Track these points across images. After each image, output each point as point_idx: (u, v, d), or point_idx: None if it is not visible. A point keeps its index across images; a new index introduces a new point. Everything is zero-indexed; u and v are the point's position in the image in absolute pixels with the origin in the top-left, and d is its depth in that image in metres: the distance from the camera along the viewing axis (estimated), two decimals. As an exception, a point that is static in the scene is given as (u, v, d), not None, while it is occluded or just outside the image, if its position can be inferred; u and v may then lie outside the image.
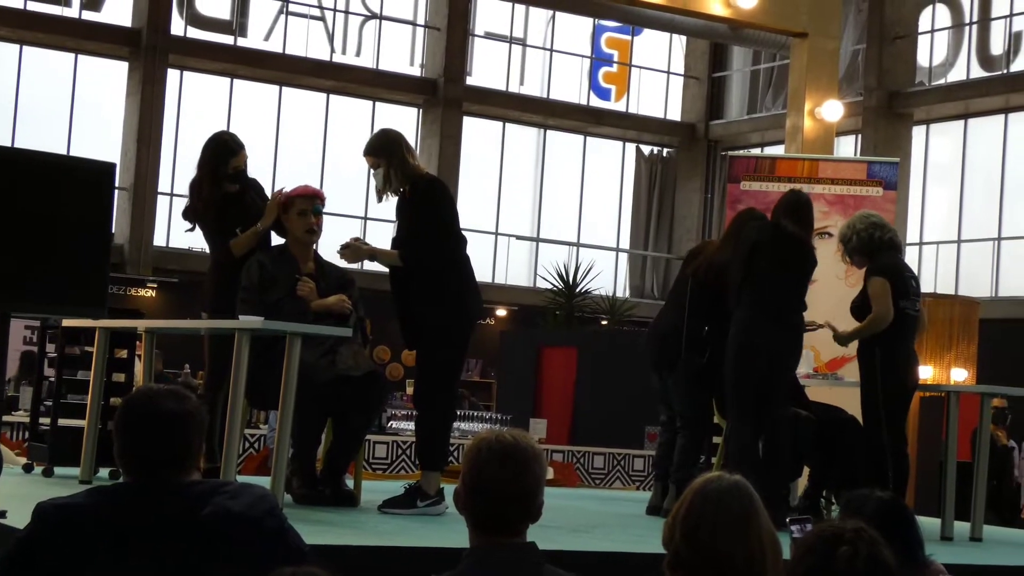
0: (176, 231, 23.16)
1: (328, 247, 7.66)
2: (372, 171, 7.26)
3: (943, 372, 16.35)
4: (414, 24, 26.43)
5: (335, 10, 25.71)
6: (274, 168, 23.64)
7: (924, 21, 25.32)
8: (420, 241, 7.15)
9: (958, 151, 25.00)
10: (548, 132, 27.96)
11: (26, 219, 6.04)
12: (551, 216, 27.90)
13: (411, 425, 13.12)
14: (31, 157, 6.61)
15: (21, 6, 22.88)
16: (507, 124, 27.43)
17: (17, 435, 12.46)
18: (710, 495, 3.12)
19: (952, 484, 8.24)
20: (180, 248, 22.63)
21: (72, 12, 23.42)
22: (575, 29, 27.90)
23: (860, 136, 24.90)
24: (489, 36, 27.38)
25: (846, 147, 24.41)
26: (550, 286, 24.74)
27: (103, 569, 3.35)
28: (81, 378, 8.35)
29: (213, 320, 7.49)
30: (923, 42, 25.24)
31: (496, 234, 26.90)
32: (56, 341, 8.53)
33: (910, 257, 8.58)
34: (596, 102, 28.34)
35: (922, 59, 25.20)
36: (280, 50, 25.03)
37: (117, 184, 8.25)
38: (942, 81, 25.02)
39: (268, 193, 7.96)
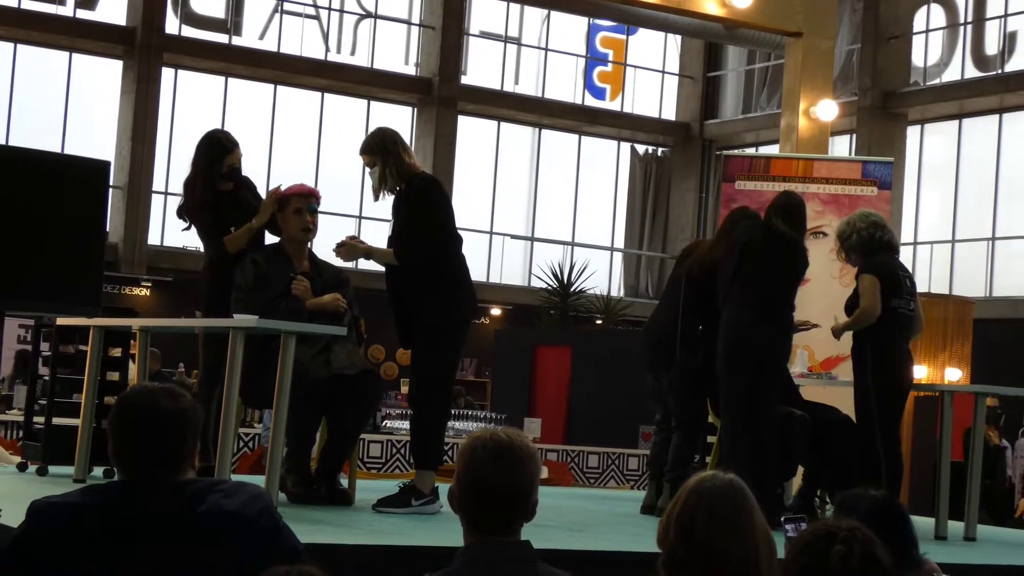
0: (170, 230, 23.16)
1: (323, 246, 7.65)
2: (368, 170, 7.26)
3: (937, 372, 16.34)
4: (409, 23, 26.44)
5: (330, 9, 25.72)
6: (269, 167, 23.63)
7: (919, 21, 25.34)
8: (415, 240, 7.14)
9: (952, 151, 25.02)
10: (543, 131, 27.97)
11: (20, 217, 6.03)
12: (546, 215, 27.91)
13: (406, 424, 13.11)
14: (25, 155, 6.59)
15: (16, 4, 22.86)
16: (502, 123, 27.45)
17: (11, 434, 12.44)
18: (704, 494, 3.12)
19: (946, 483, 8.25)
20: (175, 247, 22.64)
21: (67, 10, 23.41)
22: (570, 28, 27.92)
23: (855, 136, 24.91)
24: (484, 35, 27.39)
25: (841, 147, 24.44)
26: (545, 285, 24.76)
27: (97, 568, 3.35)
28: (75, 377, 8.34)
29: (207, 319, 7.48)
30: (918, 42, 25.26)
31: (491, 233, 26.91)
32: (50, 340, 8.52)
33: (904, 257, 8.57)
34: (591, 101, 28.36)
35: (917, 59, 25.22)
36: (275, 49, 25.03)
37: (111, 183, 8.25)
38: (937, 81, 25.04)
39: (261, 192, 7.96)
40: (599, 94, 28.51)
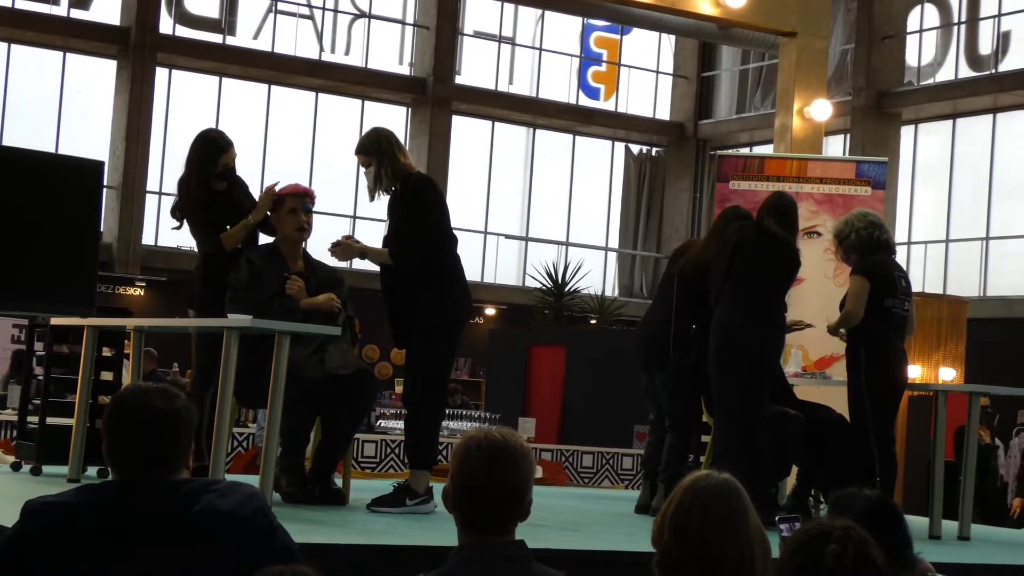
0: (164, 230, 23.13)
1: (317, 246, 7.65)
2: (363, 170, 7.25)
3: (931, 371, 16.38)
4: (403, 23, 26.43)
5: (324, 9, 25.70)
6: (263, 167, 23.61)
7: (913, 21, 25.36)
8: (410, 240, 7.14)
9: (946, 151, 25.05)
10: (537, 131, 27.97)
11: (14, 217, 6.04)
12: (540, 215, 27.92)
13: (400, 424, 13.11)
14: (19, 155, 6.60)
15: (9, 4, 22.83)
16: (496, 123, 27.44)
17: (5, 433, 12.44)
18: (699, 493, 3.12)
19: (940, 483, 8.26)
20: (169, 247, 22.61)
21: (60, 10, 23.39)
22: (564, 28, 27.91)
23: (849, 136, 24.93)
24: (478, 35, 27.38)
25: (835, 147, 24.44)
26: (539, 285, 24.75)
27: (92, 568, 3.34)
28: (69, 376, 8.34)
29: (202, 319, 7.48)
30: (912, 42, 25.28)
31: (485, 233, 26.91)
32: (44, 339, 8.51)
33: (898, 257, 8.57)
34: (585, 101, 28.36)
35: (911, 59, 25.24)
36: (269, 49, 25.02)
37: (105, 183, 8.25)
38: (931, 81, 25.06)
39: (254, 192, 7.95)
40: (593, 94, 28.51)
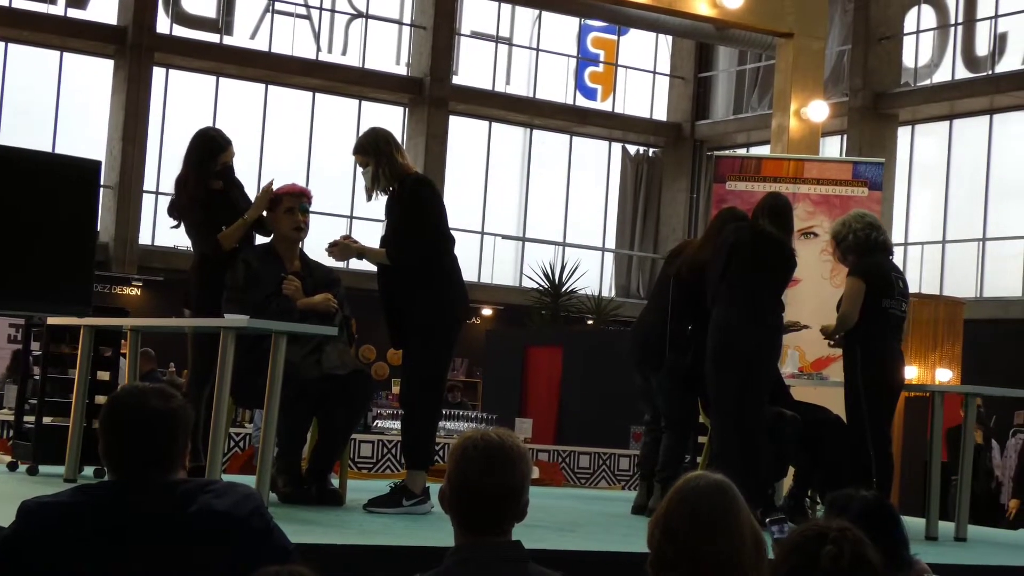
0: (161, 229, 23.14)
1: (314, 246, 7.65)
2: (361, 170, 7.25)
3: (928, 372, 16.39)
4: (400, 23, 26.43)
5: (321, 9, 25.70)
6: (260, 167, 23.60)
7: (909, 22, 25.37)
8: (408, 240, 7.14)
9: (943, 152, 25.06)
10: (534, 132, 27.97)
11: (11, 217, 6.03)
12: (537, 216, 27.92)
13: (397, 424, 13.11)
14: (16, 155, 6.60)
15: (7, 3, 22.83)
16: (493, 123, 27.44)
17: (2, 433, 12.43)
18: (689, 494, 3.12)
19: (937, 484, 8.26)
20: (166, 246, 22.61)
21: (58, 10, 23.38)
22: (561, 29, 27.92)
23: (845, 136, 24.94)
24: (475, 35, 27.38)
25: (831, 147, 24.45)
26: (536, 285, 24.75)
27: (88, 568, 3.34)
28: (66, 376, 8.33)
29: (199, 319, 7.47)
30: (908, 43, 25.29)
31: (482, 233, 26.91)
32: (41, 339, 8.51)
33: (895, 258, 8.58)
34: (582, 102, 28.36)
35: (907, 60, 25.25)
36: (266, 49, 25.01)
37: (102, 182, 8.24)
38: (927, 82, 25.07)
39: (250, 193, 7.94)
40: (590, 94, 28.51)
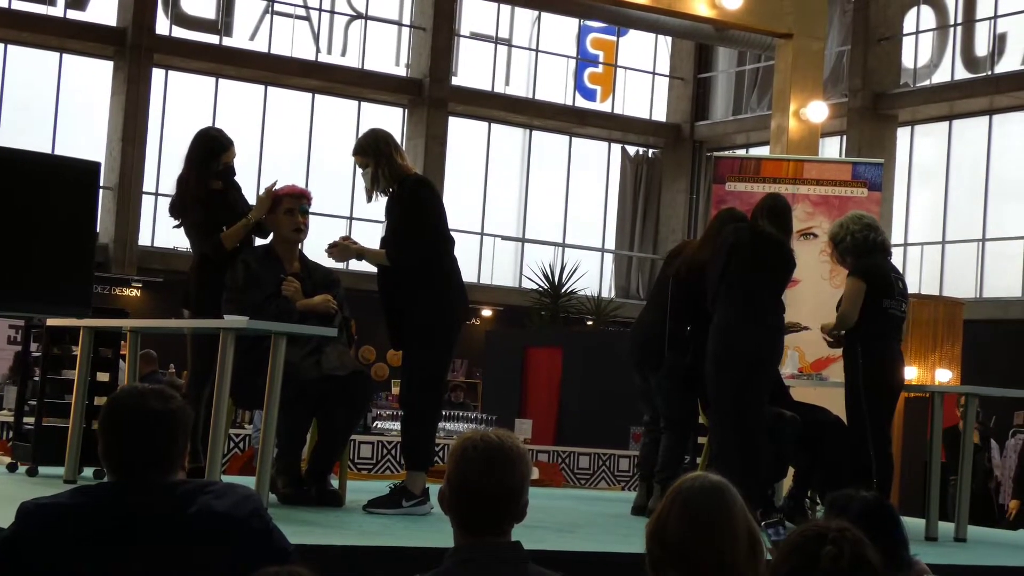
0: (161, 230, 23.16)
1: (314, 247, 7.65)
2: (361, 171, 7.25)
3: (927, 373, 16.37)
4: (399, 24, 26.43)
5: (320, 10, 25.70)
6: (259, 168, 23.60)
7: (909, 22, 25.38)
8: (406, 241, 7.14)
9: (943, 152, 25.06)
10: (534, 132, 27.98)
11: (10, 217, 6.03)
12: (536, 216, 27.92)
13: (396, 425, 13.11)
14: (16, 156, 6.60)
15: (6, 5, 22.83)
16: (492, 124, 27.45)
17: (2, 434, 12.43)
18: (684, 496, 3.12)
19: (936, 484, 8.26)
20: (165, 247, 22.62)
21: (57, 11, 23.39)
22: (560, 30, 27.92)
23: (845, 137, 24.95)
24: (474, 36, 27.39)
25: (831, 148, 24.46)
26: (535, 286, 24.76)
27: (88, 569, 3.34)
28: (66, 377, 8.33)
29: (198, 320, 7.47)
30: (908, 43, 25.30)
31: (482, 234, 26.91)
32: (41, 340, 8.50)
33: (894, 258, 8.58)
34: (581, 103, 28.37)
35: (907, 60, 25.26)
36: (265, 50, 25.02)
37: (102, 183, 8.24)
38: (927, 82, 25.08)
39: (249, 196, 7.93)
40: (590, 95, 28.52)
